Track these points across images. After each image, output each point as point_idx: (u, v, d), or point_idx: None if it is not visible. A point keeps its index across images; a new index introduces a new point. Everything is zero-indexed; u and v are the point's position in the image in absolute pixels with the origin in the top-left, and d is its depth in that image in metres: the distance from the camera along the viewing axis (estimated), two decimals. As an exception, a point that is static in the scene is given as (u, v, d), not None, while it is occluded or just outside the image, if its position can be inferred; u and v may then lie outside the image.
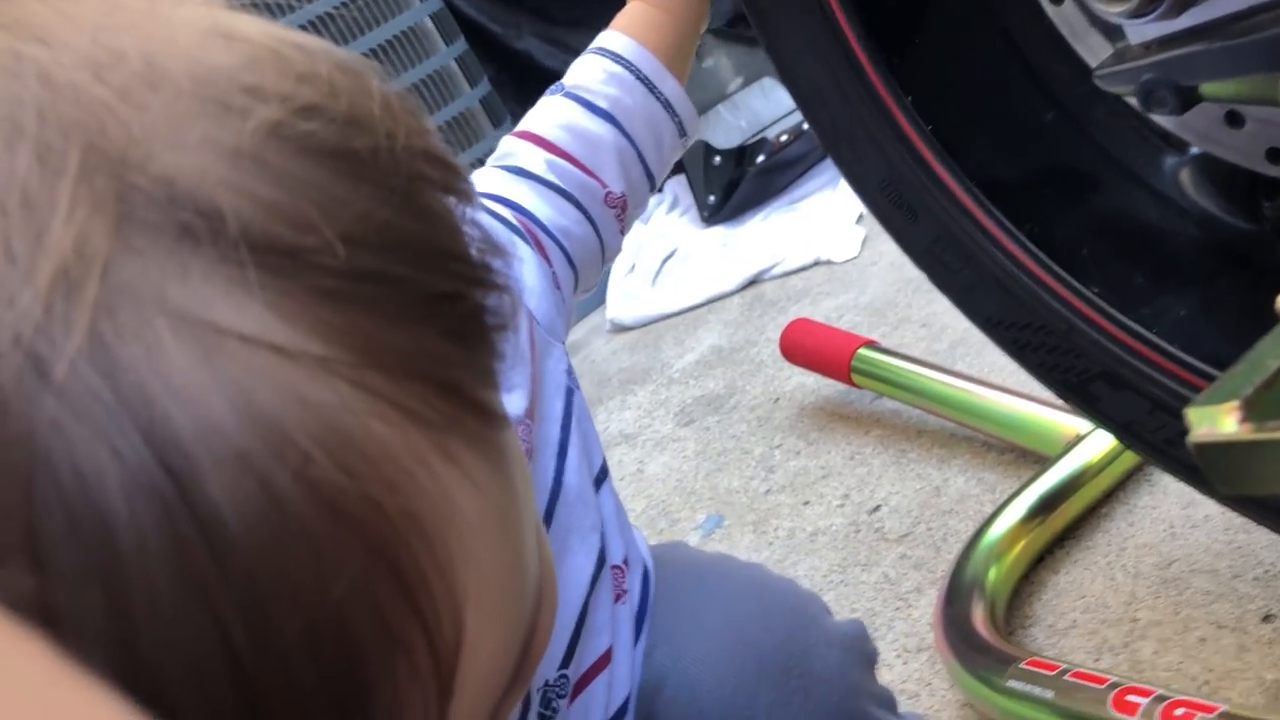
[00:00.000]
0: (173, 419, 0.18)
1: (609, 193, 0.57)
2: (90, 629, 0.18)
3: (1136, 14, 0.36)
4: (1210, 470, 0.28)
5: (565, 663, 0.43)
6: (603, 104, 0.58)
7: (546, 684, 0.42)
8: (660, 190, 2.09)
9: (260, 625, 0.19)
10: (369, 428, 0.20)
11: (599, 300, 1.78)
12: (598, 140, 0.57)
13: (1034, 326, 0.65)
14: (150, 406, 0.18)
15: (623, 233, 0.60)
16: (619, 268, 1.82)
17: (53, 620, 0.17)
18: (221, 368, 0.19)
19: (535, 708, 0.41)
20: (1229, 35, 0.37)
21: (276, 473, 0.19)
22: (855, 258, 1.51)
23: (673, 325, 1.62)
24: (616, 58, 0.59)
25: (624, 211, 0.59)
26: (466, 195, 0.24)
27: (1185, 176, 0.61)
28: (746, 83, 2.18)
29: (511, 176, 0.55)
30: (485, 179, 0.55)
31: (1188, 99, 0.41)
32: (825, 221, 1.65)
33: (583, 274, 0.56)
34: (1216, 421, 0.27)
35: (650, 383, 1.45)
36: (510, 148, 0.57)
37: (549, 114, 0.57)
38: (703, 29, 0.68)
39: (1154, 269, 0.62)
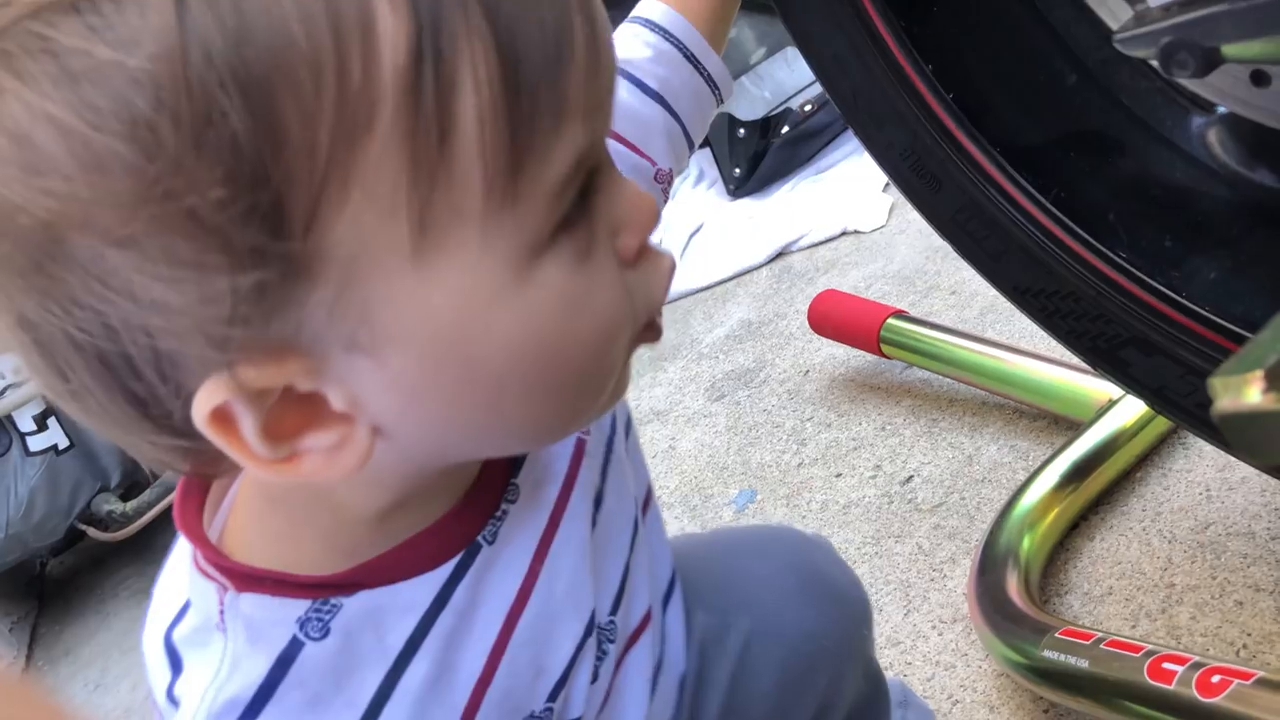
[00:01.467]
0: None
1: (658, 170, 0.57)
2: None
3: (1155, -22, 0.36)
4: (1236, 441, 0.28)
5: (614, 610, 0.46)
6: (653, 84, 0.57)
7: (599, 627, 0.45)
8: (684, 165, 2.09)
9: None
10: None
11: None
12: (649, 121, 0.57)
13: (1062, 294, 0.65)
14: None
15: (665, 204, 0.61)
16: (646, 244, 1.82)
17: None
18: None
19: (594, 648, 0.44)
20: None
21: None
22: (882, 226, 1.50)
23: (701, 300, 1.62)
24: (664, 33, 0.58)
25: (669, 185, 0.60)
26: None
27: (1213, 136, 0.60)
28: (769, 53, 2.15)
29: None
30: None
31: (1210, 61, 0.40)
32: (852, 191, 1.63)
33: None
34: (1240, 392, 0.27)
35: (680, 358, 1.46)
36: None
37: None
38: None
39: (1183, 231, 0.62)
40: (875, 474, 1.01)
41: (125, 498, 1.60)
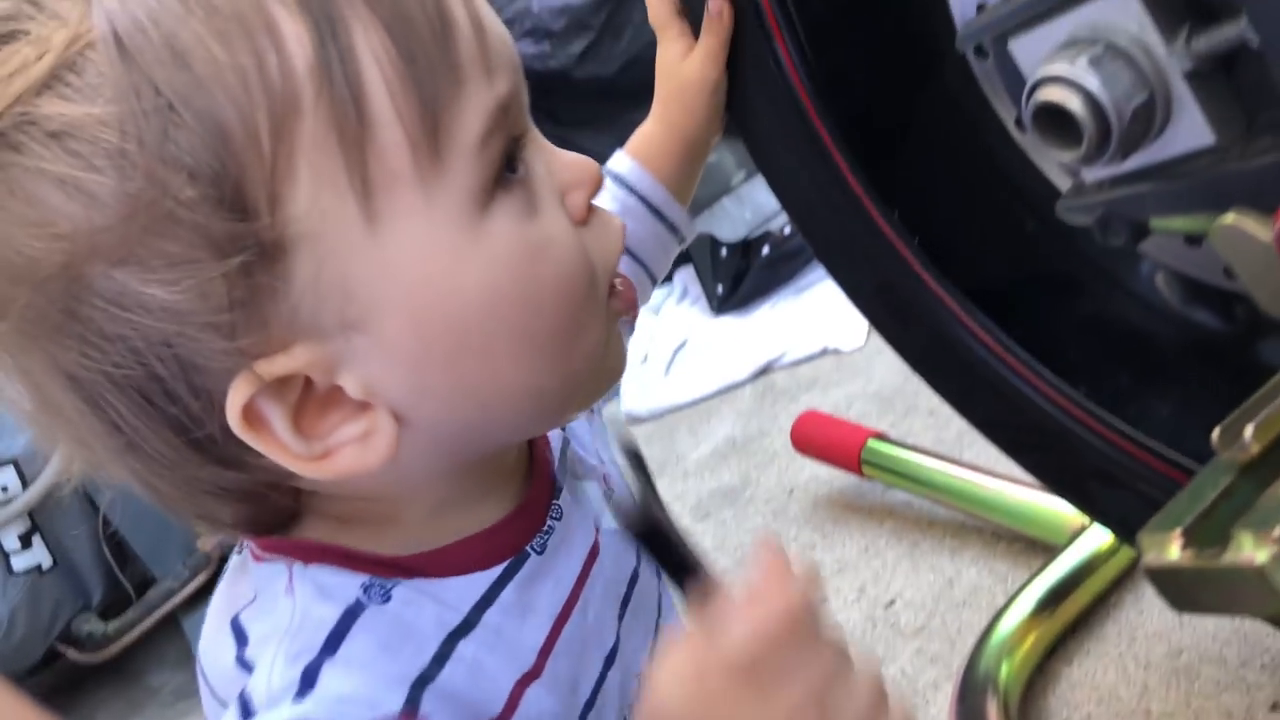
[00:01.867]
0: None
1: None
2: None
3: (1085, 161, 0.40)
4: (1162, 592, 0.30)
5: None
6: None
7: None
8: (670, 281, 2.14)
9: None
10: None
11: (613, 392, 1.81)
12: None
13: (1027, 427, 0.68)
14: None
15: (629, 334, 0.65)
16: (632, 359, 1.85)
17: None
18: None
19: (619, 684, 0.46)
20: (1169, 178, 0.40)
21: None
22: (861, 346, 1.54)
23: (686, 416, 1.65)
24: (629, 188, 0.65)
25: (634, 320, 0.65)
26: None
27: (1161, 281, 0.64)
28: (749, 175, 2.23)
29: None
30: None
31: (1140, 231, 0.44)
32: (831, 310, 1.68)
33: None
34: (1163, 549, 0.29)
35: (666, 475, 1.47)
36: None
37: None
38: (712, 149, 0.73)
39: (1138, 369, 0.65)
40: (859, 597, 1.02)
41: (106, 616, 1.58)
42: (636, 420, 1.70)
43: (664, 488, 1.42)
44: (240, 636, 0.40)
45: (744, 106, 0.71)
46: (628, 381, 1.98)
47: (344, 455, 0.36)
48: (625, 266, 0.64)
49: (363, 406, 0.36)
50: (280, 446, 0.36)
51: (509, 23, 2.17)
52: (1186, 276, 0.58)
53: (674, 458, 1.51)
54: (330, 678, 0.36)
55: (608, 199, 0.64)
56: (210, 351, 0.34)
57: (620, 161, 0.67)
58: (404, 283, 0.35)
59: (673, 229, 0.67)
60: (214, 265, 0.33)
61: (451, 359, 0.37)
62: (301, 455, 0.36)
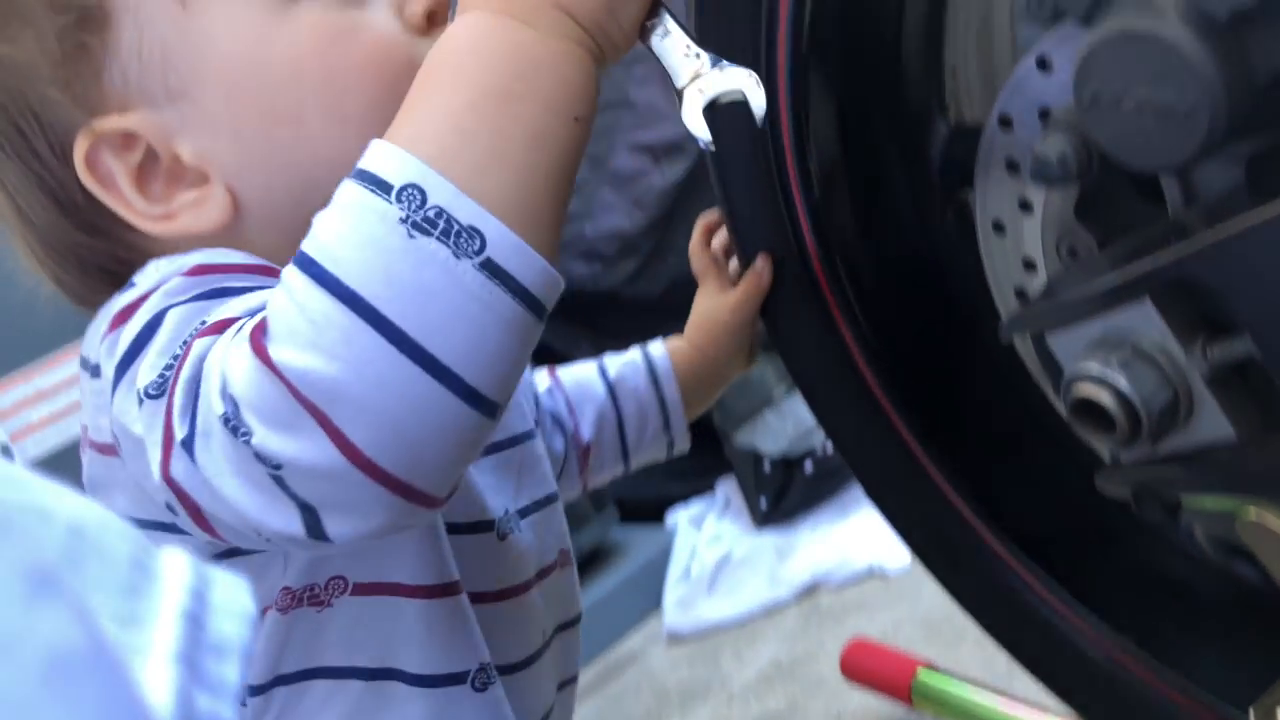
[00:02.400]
0: None
1: (577, 436, 0.69)
2: None
3: (1118, 447, 0.45)
4: None
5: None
6: (611, 373, 0.72)
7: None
8: (712, 492, 2.17)
9: None
10: None
11: (654, 605, 1.82)
12: (591, 394, 0.70)
13: (1076, 672, 0.70)
14: None
15: (582, 481, 0.71)
16: (673, 573, 1.87)
17: None
18: None
19: None
20: (1195, 465, 0.45)
21: None
22: (907, 568, 1.56)
23: (731, 637, 1.65)
24: (644, 351, 0.73)
25: (586, 460, 0.70)
26: None
27: (1200, 536, 0.68)
28: (790, 389, 2.30)
29: None
30: None
31: (1172, 508, 0.49)
32: (876, 529, 1.70)
33: None
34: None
35: (711, 699, 1.47)
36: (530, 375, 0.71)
37: (575, 365, 0.73)
38: (734, 377, 0.79)
39: (1182, 619, 0.68)
40: (913, 836, 1.00)
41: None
42: (679, 638, 1.69)
43: (708, 713, 1.41)
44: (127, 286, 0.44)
45: (793, 356, 0.76)
46: (670, 598, 1.99)
47: (182, 217, 0.44)
48: (597, 402, 0.69)
49: (202, 179, 0.44)
50: (125, 202, 0.43)
51: (562, 246, 2.32)
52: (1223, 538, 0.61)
53: (719, 679, 1.50)
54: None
55: (626, 356, 0.72)
56: (55, 104, 0.43)
57: (656, 348, 0.74)
58: (217, 56, 0.43)
59: (664, 411, 0.72)
60: (47, 20, 0.41)
61: (265, 128, 0.44)
62: (145, 213, 0.43)
